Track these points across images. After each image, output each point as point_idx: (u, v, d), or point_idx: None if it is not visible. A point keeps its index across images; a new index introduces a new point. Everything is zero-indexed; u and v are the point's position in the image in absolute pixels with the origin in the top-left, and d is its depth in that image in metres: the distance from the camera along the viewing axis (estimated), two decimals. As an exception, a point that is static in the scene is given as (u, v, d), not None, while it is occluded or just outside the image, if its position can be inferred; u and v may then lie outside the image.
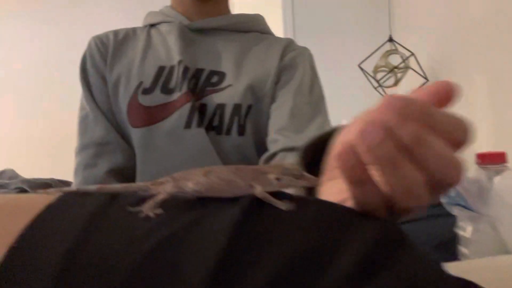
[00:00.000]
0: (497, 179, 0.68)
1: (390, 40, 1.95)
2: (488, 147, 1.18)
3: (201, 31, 0.78)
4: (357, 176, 0.25)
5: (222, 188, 0.29)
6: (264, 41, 0.79)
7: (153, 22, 0.80)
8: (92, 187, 0.31)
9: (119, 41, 0.76)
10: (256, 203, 0.27)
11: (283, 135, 0.70)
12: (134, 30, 0.79)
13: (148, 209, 0.27)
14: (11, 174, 1.58)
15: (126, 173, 0.72)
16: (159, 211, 0.27)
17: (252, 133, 0.73)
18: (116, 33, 0.77)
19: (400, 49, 1.91)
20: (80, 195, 0.30)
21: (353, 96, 2.18)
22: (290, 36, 2.17)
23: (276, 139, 0.70)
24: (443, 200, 0.90)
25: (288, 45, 0.79)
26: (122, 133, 0.73)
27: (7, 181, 1.39)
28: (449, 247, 0.71)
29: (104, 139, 0.71)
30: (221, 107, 0.72)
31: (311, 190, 0.37)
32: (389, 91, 1.94)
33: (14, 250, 0.23)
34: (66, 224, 0.25)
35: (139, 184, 0.31)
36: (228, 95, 0.72)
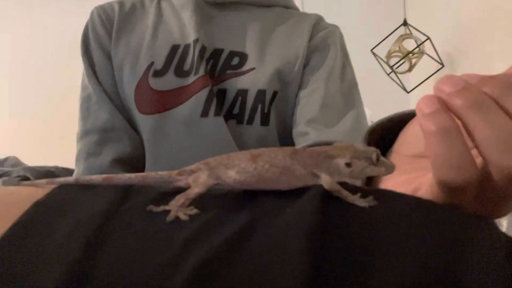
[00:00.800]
0: None
1: (405, 23, 1.87)
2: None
3: (219, 5, 0.68)
4: (442, 124, 0.20)
5: (276, 178, 0.22)
6: (290, 19, 0.70)
7: None
8: (96, 178, 0.24)
9: (125, 14, 0.67)
10: (328, 199, 0.20)
11: (314, 128, 0.62)
12: (141, 1, 0.70)
13: (178, 208, 0.20)
14: (14, 162, 1.53)
15: (133, 163, 0.65)
16: (194, 211, 0.20)
17: (276, 123, 0.65)
18: (121, 4, 0.68)
19: (415, 33, 1.84)
20: (80, 189, 0.23)
21: (365, 82, 2.10)
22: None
23: (305, 132, 0.62)
24: None
25: (317, 22, 0.71)
26: (128, 118, 0.65)
27: (9, 169, 1.35)
28: None
29: (108, 124, 0.63)
30: (243, 93, 0.63)
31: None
32: (403, 77, 1.87)
33: None
34: (62, 234, 0.18)
35: (161, 173, 0.24)
36: (251, 80, 0.64)
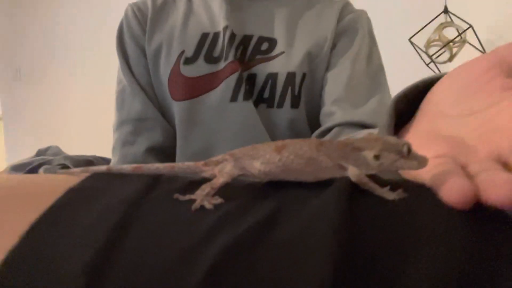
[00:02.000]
0: None
1: (445, 11, 1.79)
2: None
3: None
4: None
5: (301, 169, 0.22)
6: (317, 4, 0.71)
7: None
8: (126, 167, 0.24)
9: (158, 8, 0.70)
10: (355, 191, 0.20)
11: (340, 107, 0.63)
12: None
13: (203, 197, 0.21)
14: (56, 151, 1.60)
15: (166, 152, 0.67)
16: (218, 201, 0.21)
17: (306, 105, 0.66)
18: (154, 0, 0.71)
19: (456, 21, 1.76)
20: (111, 177, 0.24)
21: (403, 73, 2.04)
22: None
23: (331, 112, 0.63)
24: None
25: (345, 7, 0.71)
26: (162, 108, 0.68)
27: (51, 158, 1.41)
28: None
29: (142, 114, 0.66)
30: (272, 76, 0.65)
31: None
32: (443, 67, 1.80)
33: (17, 253, 0.17)
34: (92, 218, 0.19)
35: (188, 164, 0.24)
36: (280, 63, 0.65)
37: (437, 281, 0.15)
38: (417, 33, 1.81)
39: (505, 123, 0.23)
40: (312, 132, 0.66)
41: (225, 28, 0.66)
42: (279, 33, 0.67)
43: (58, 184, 0.22)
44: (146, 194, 0.21)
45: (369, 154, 0.22)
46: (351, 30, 0.68)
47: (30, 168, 1.37)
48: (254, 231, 0.17)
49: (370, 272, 0.15)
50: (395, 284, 0.15)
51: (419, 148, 0.23)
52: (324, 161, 0.22)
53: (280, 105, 0.65)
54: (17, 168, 1.42)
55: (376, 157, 0.22)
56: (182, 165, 0.24)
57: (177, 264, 0.16)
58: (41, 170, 1.26)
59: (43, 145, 1.74)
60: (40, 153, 1.67)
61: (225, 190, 0.22)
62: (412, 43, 1.82)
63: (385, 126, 0.30)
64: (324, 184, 0.21)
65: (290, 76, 0.64)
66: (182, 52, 0.66)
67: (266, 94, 0.65)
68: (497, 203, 0.17)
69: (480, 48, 1.69)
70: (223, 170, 0.23)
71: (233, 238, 0.17)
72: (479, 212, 0.18)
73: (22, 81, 3.02)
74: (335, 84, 0.64)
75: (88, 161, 1.22)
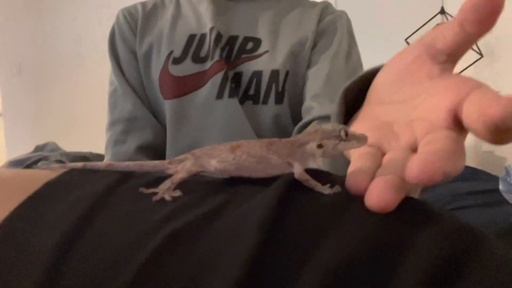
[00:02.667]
0: None
1: (442, 12, 1.81)
2: None
3: None
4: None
5: (253, 167, 0.24)
6: (299, 6, 0.75)
7: None
8: (101, 164, 0.27)
9: (148, 12, 0.73)
10: (295, 184, 0.22)
11: (318, 102, 0.65)
12: (162, 0, 0.76)
13: (164, 191, 0.23)
14: (53, 147, 1.62)
15: (156, 150, 0.69)
16: (177, 194, 0.23)
17: (289, 101, 0.69)
18: (144, 4, 0.75)
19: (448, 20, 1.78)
20: (87, 173, 0.26)
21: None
22: None
23: (310, 107, 0.66)
24: (502, 187, 0.82)
25: (326, 7, 0.75)
26: (152, 108, 0.71)
27: (48, 154, 1.43)
28: (506, 236, 0.64)
29: (133, 114, 0.69)
30: (257, 74, 0.68)
31: None
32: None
33: None
34: (63, 207, 0.21)
35: (154, 162, 0.27)
36: (265, 62, 0.68)
37: (328, 270, 0.17)
38: (413, 33, 1.82)
39: (425, 112, 0.25)
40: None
41: (212, 29, 0.68)
42: (263, 33, 0.70)
43: (39, 178, 0.24)
44: (115, 188, 0.23)
45: (312, 146, 0.24)
46: (331, 29, 0.71)
47: (28, 163, 1.39)
48: (198, 220, 0.19)
49: (284, 259, 0.17)
50: (301, 270, 0.17)
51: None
52: (273, 159, 0.24)
53: (265, 101, 0.68)
54: (15, 163, 1.44)
55: (319, 146, 0.24)
56: (149, 163, 0.27)
57: (127, 248, 0.18)
58: (38, 165, 1.29)
59: (43, 141, 1.77)
60: (38, 149, 1.69)
61: (186, 186, 0.24)
62: (408, 44, 1.83)
63: (334, 114, 0.33)
64: (272, 180, 0.23)
65: (274, 73, 0.67)
66: (171, 52, 0.69)
67: (252, 91, 0.68)
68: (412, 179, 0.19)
69: (477, 49, 1.71)
70: (183, 168, 0.25)
71: (180, 225, 0.19)
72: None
73: (22, 77, 3.04)
74: (314, 81, 0.67)
75: (83, 157, 1.24)
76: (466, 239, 0.19)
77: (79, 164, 0.27)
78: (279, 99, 0.68)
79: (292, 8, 0.74)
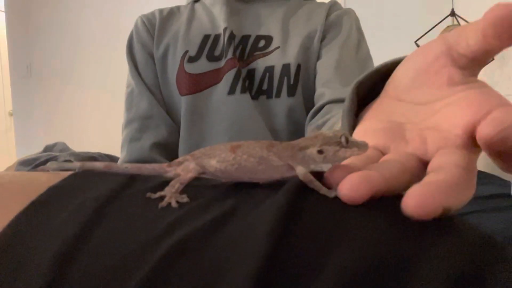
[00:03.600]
0: None
1: (452, 14, 1.79)
2: None
3: (245, 0, 0.78)
4: None
5: (254, 168, 0.23)
6: (308, 4, 0.79)
7: None
8: (99, 165, 0.26)
9: (164, 17, 0.77)
10: (303, 190, 0.21)
11: (329, 87, 0.66)
12: (178, 7, 0.81)
13: (172, 194, 0.22)
14: (62, 147, 1.63)
15: (170, 148, 0.71)
16: (185, 200, 0.22)
17: (302, 93, 0.71)
18: (161, 10, 0.79)
19: (463, 24, 1.76)
20: (91, 176, 0.25)
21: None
22: None
23: (322, 93, 0.67)
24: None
25: (333, 5, 0.78)
26: (168, 106, 0.74)
27: (57, 154, 1.44)
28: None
29: (148, 113, 0.71)
30: (269, 69, 0.70)
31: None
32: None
33: None
34: (64, 215, 0.21)
35: (153, 165, 0.26)
36: (276, 57, 0.71)
37: (342, 281, 0.16)
38: (423, 35, 1.81)
39: (440, 123, 0.24)
40: None
41: (225, 29, 0.72)
42: (274, 31, 0.73)
43: (41, 181, 0.24)
44: (119, 192, 0.23)
45: (313, 151, 0.23)
46: (339, 22, 0.74)
47: (38, 163, 1.40)
48: (208, 226, 0.19)
49: (298, 260, 0.17)
50: (317, 277, 0.16)
51: (363, 135, 0.26)
52: (274, 160, 0.23)
53: (278, 95, 0.70)
54: (25, 163, 1.46)
55: (320, 152, 0.23)
56: (148, 166, 0.26)
57: (132, 257, 0.18)
58: (47, 165, 1.30)
59: (52, 141, 1.78)
60: (47, 149, 1.71)
61: (191, 191, 0.23)
62: (418, 46, 1.82)
63: (345, 110, 0.32)
64: (279, 186, 0.22)
65: (285, 67, 0.70)
66: (186, 52, 0.72)
67: (265, 86, 0.70)
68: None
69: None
70: (187, 168, 0.24)
71: (187, 233, 0.19)
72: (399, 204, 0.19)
73: (33, 77, 3.07)
74: (325, 69, 0.69)
75: (92, 158, 1.25)
76: (487, 251, 0.18)
77: (78, 164, 0.26)
78: (291, 92, 0.70)
79: (300, 6, 0.77)
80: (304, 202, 0.20)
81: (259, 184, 0.24)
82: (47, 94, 3.04)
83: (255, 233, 0.18)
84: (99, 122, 2.85)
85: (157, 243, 0.18)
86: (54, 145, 1.66)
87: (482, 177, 1.14)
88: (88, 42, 2.88)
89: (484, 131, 0.20)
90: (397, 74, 0.30)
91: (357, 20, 0.76)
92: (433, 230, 0.18)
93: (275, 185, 0.23)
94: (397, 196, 0.20)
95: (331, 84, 0.66)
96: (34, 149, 1.82)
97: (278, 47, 0.71)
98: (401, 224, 0.19)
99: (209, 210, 0.21)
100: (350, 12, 0.76)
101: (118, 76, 2.85)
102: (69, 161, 1.20)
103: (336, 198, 0.21)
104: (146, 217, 0.21)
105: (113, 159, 1.34)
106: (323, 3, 0.78)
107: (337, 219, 0.19)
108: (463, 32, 0.25)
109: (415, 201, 0.18)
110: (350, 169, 0.22)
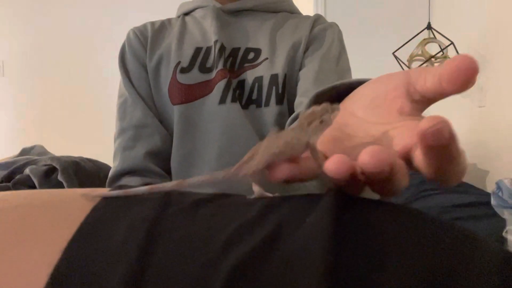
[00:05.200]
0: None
1: (429, 27, 1.86)
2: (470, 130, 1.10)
3: (234, 13, 0.81)
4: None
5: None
6: (294, 18, 0.83)
7: (186, 10, 0.83)
8: (142, 189, 0.27)
9: (156, 30, 0.80)
10: (343, 206, 0.23)
11: (308, 96, 0.70)
12: (169, 20, 0.83)
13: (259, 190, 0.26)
14: (40, 150, 1.59)
15: (163, 156, 0.73)
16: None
17: (289, 101, 0.75)
18: (152, 23, 0.81)
19: (439, 37, 1.83)
20: (126, 196, 0.26)
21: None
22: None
23: (301, 102, 0.71)
24: (494, 202, 0.85)
25: (318, 19, 0.82)
26: (161, 115, 0.75)
27: (36, 157, 1.41)
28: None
29: (142, 121, 0.73)
30: (259, 79, 0.74)
31: None
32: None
33: (62, 269, 0.20)
34: (118, 237, 0.22)
35: (216, 174, 0.28)
36: (265, 68, 0.75)
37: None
38: (400, 47, 1.87)
39: (383, 140, 0.28)
40: None
41: (216, 42, 0.75)
42: (262, 43, 0.77)
43: (84, 203, 0.25)
44: (163, 211, 0.24)
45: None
46: (322, 35, 0.79)
47: (16, 167, 1.37)
48: (260, 249, 0.20)
49: (357, 276, 0.18)
50: None
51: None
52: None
53: (267, 103, 0.73)
54: (2, 166, 1.41)
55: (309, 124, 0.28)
56: (217, 175, 0.28)
57: (196, 280, 0.19)
58: (27, 170, 1.26)
59: (28, 143, 1.73)
60: (24, 152, 1.66)
61: (229, 206, 0.25)
62: (395, 57, 1.88)
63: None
64: (314, 200, 0.24)
65: (274, 77, 0.74)
66: (179, 63, 0.75)
67: (255, 96, 0.74)
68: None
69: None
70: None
71: (242, 255, 0.20)
72: (436, 227, 0.21)
73: (6, 77, 2.98)
74: (305, 79, 0.74)
75: (75, 162, 1.23)
76: None
77: (119, 192, 0.26)
78: (279, 101, 0.73)
79: (287, 19, 0.82)
80: (347, 216, 0.22)
81: (286, 197, 0.26)
82: (22, 95, 2.95)
83: (310, 251, 0.19)
84: (76, 123, 2.79)
85: (216, 265, 0.19)
86: (32, 148, 1.62)
87: (463, 187, 1.19)
88: (64, 40, 2.83)
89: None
90: (359, 92, 0.34)
91: (339, 34, 0.81)
92: (465, 248, 0.20)
93: (309, 200, 0.24)
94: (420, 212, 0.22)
95: (310, 93, 0.67)
96: (9, 152, 1.76)
97: (266, 59, 0.75)
98: (436, 236, 0.21)
99: (256, 228, 0.22)
100: (333, 26, 0.81)
101: (94, 76, 2.81)
102: (51, 165, 1.18)
103: (370, 210, 0.23)
104: (197, 236, 0.22)
105: (95, 164, 1.32)
106: (308, 16, 0.83)
107: (383, 231, 0.21)
108: (424, 73, 0.28)
109: (370, 151, 0.22)
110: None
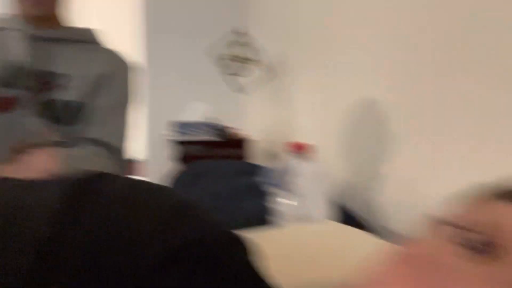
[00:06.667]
0: (304, 164, 0.86)
1: (239, 32, 2.09)
2: (301, 139, 1.38)
3: (42, 39, 0.92)
4: None
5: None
6: (94, 51, 0.99)
7: None
8: None
9: None
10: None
11: (91, 126, 0.94)
12: None
13: None
14: None
15: None
16: None
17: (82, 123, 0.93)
18: None
19: (249, 40, 2.08)
20: None
21: (205, 83, 2.31)
22: (143, 28, 2.24)
23: (83, 129, 0.92)
24: (262, 179, 1.07)
25: (115, 55, 1.01)
26: None
27: None
28: (268, 219, 0.87)
29: None
30: (57, 101, 0.89)
31: None
32: (239, 79, 2.10)
33: None
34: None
35: None
36: (65, 91, 0.90)
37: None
38: (214, 49, 2.06)
39: None
40: None
41: (22, 63, 0.87)
42: (64, 69, 0.92)
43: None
44: None
45: None
46: (115, 73, 0.98)
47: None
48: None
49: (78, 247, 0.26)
50: None
51: None
52: None
53: (67, 123, 0.90)
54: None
55: None
56: None
57: None
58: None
59: None
60: None
61: None
62: (211, 57, 2.07)
63: None
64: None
65: (67, 103, 0.90)
66: None
67: (56, 115, 0.88)
68: None
69: (267, 65, 2.04)
70: None
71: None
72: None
73: None
74: (92, 111, 0.93)
75: None
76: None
77: None
78: (76, 122, 0.90)
79: (87, 50, 0.98)
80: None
81: None
82: None
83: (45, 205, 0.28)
84: None
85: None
86: None
87: (248, 167, 1.44)
88: None
89: None
90: None
91: (125, 69, 1.00)
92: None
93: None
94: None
95: (90, 125, 0.91)
96: None
97: (65, 83, 0.90)
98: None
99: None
100: (124, 63, 1.00)
101: None
102: None
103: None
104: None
105: None
106: (106, 50, 1.00)
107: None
108: None
109: None
110: None
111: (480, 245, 0.25)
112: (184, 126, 1.99)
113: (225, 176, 1.39)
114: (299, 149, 0.89)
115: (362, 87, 1.27)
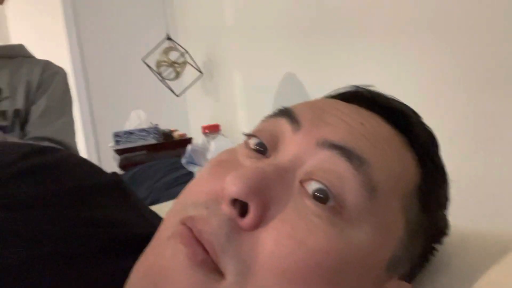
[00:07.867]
0: (213, 142, 1.00)
1: (168, 38, 2.21)
2: (211, 121, 1.52)
3: None
4: None
5: None
6: (28, 63, 1.12)
7: None
8: None
9: None
10: None
11: (33, 128, 1.08)
12: None
13: None
14: None
15: None
16: None
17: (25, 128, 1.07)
18: None
19: (178, 46, 2.21)
20: None
21: (140, 89, 2.40)
22: (74, 36, 2.28)
23: (29, 131, 1.05)
24: (183, 161, 1.19)
25: (46, 64, 1.14)
26: None
27: None
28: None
29: None
30: (5, 112, 1.04)
31: None
32: (172, 83, 2.21)
33: None
34: None
35: None
36: (8, 104, 1.04)
37: None
38: (147, 55, 2.16)
39: None
40: None
41: None
42: (4, 84, 1.05)
43: None
44: None
45: None
46: (48, 80, 1.10)
47: None
48: None
49: None
50: None
51: None
52: None
53: (11, 130, 1.02)
54: None
55: None
56: None
57: None
58: None
59: None
60: None
61: None
62: (146, 63, 2.17)
63: None
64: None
65: (16, 111, 1.04)
66: None
67: (4, 124, 1.02)
68: None
69: (197, 68, 2.18)
70: None
71: None
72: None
73: None
74: (34, 114, 1.06)
75: None
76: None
77: None
78: (22, 128, 1.03)
79: (22, 64, 1.10)
80: None
81: None
82: None
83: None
84: None
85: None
86: None
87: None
88: None
89: None
90: None
91: (65, 76, 1.14)
92: None
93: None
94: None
95: (34, 126, 1.03)
96: None
97: (8, 97, 1.03)
98: None
99: None
100: (59, 71, 1.13)
101: None
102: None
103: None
104: None
105: None
106: (40, 61, 1.12)
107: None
108: None
109: None
110: None
111: (259, 147, 0.38)
112: (125, 135, 2.07)
113: (159, 173, 1.50)
114: (209, 129, 1.02)
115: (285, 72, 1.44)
